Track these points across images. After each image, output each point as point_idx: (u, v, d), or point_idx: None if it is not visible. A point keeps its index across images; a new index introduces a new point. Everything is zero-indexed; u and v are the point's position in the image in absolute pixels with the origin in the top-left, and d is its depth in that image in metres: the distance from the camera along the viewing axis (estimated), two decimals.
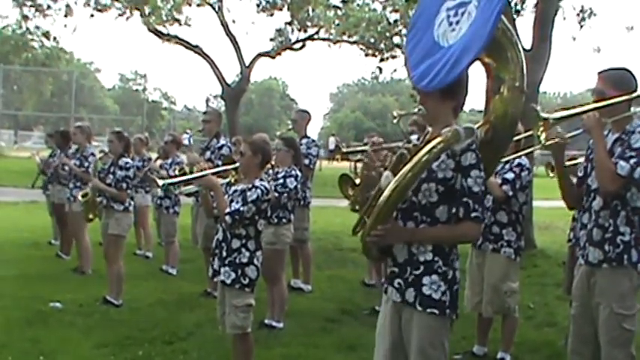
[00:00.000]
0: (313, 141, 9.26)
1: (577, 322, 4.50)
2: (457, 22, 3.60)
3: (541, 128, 4.23)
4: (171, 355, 6.35)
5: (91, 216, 8.93)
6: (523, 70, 3.73)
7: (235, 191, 5.49)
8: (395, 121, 7.95)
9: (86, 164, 9.60)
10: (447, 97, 3.56)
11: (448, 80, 3.43)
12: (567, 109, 4.37)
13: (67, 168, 9.91)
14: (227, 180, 6.28)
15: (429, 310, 3.47)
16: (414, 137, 3.88)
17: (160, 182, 6.76)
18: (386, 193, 3.35)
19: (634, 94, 4.27)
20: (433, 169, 3.43)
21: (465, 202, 3.42)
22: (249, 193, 5.33)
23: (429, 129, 3.74)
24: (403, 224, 3.54)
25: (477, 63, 3.71)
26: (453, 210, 3.46)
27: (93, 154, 9.87)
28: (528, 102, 4.12)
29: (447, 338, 3.56)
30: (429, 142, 3.39)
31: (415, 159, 3.31)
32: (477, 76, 3.84)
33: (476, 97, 4.12)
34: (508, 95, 3.73)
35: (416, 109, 3.69)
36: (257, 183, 5.41)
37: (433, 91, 3.54)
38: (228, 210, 5.29)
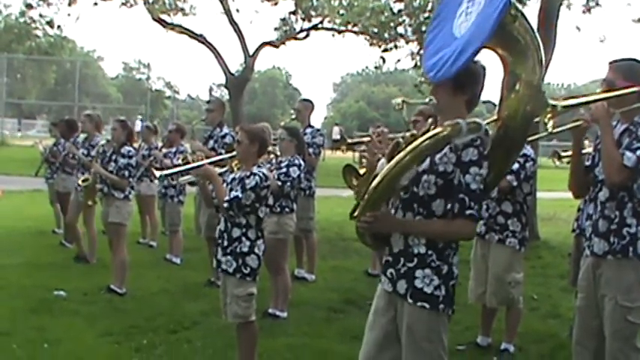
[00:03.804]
0: (318, 130, 9.24)
1: (582, 314, 4.49)
2: (470, 13, 3.52)
3: (548, 115, 4.19)
4: (175, 344, 6.36)
5: (90, 202, 8.92)
6: (542, 68, 3.61)
7: (234, 179, 5.49)
8: (398, 107, 7.89)
9: (93, 153, 9.63)
10: (459, 90, 3.49)
11: (453, 71, 3.33)
12: (576, 97, 4.33)
13: (76, 157, 9.93)
14: (226, 168, 6.28)
15: (419, 304, 3.43)
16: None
17: (157, 173, 6.77)
18: (377, 179, 3.31)
19: None
20: (435, 162, 3.40)
21: (461, 198, 3.35)
22: (247, 181, 5.32)
23: (430, 120, 3.69)
24: (403, 214, 3.51)
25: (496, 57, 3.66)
26: (449, 205, 3.40)
27: (99, 143, 9.90)
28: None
29: (445, 333, 3.50)
30: (427, 131, 3.34)
31: (409, 147, 3.25)
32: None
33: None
34: (523, 92, 3.62)
35: (427, 100, 3.62)
36: (255, 170, 5.40)
37: (445, 83, 3.47)
38: (227, 198, 5.30)
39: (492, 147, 3.49)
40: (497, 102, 3.82)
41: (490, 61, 3.55)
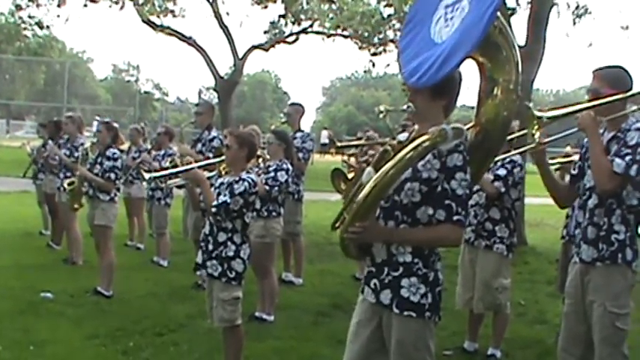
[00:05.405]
0: (308, 135, 9.23)
1: (569, 320, 4.49)
2: (451, 19, 3.49)
3: (536, 127, 4.20)
4: (161, 347, 6.34)
5: (76, 205, 8.87)
6: (519, 72, 3.63)
7: (222, 184, 5.48)
8: (381, 116, 7.90)
9: (76, 154, 9.59)
10: (437, 96, 3.46)
11: (438, 77, 3.31)
12: (562, 107, 4.34)
13: (57, 158, 9.89)
14: (215, 172, 6.27)
15: (406, 313, 3.36)
16: (403, 136, 3.75)
17: (147, 175, 6.76)
18: (366, 189, 3.24)
19: (629, 93, 4.24)
20: (418, 169, 3.35)
21: (447, 204, 3.30)
22: (236, 186, 5.32)
23: (416, 127, 3.66)
24: (384, 223, 3.45)
25: (471, 61, 3.65)
26: (434, 212, 3.34)
27: (82, 144, 9.84)
28: (522, 100, 4.08)
29: (432, 340, 3.46)
30: (414, 140, 3.28)
31: (398, 156, 3.20)
32: (471, 72, 3.78)
33: (468, 93, 4.03)
34: (501, 97, 3.63)
35: (405, 107, 3.59)
36: (244, 176, 5.40)
37: (423, 89, 3.44)
38: (215, 203, 5.29)
39: (471, 151, 3.45)
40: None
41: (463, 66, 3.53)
